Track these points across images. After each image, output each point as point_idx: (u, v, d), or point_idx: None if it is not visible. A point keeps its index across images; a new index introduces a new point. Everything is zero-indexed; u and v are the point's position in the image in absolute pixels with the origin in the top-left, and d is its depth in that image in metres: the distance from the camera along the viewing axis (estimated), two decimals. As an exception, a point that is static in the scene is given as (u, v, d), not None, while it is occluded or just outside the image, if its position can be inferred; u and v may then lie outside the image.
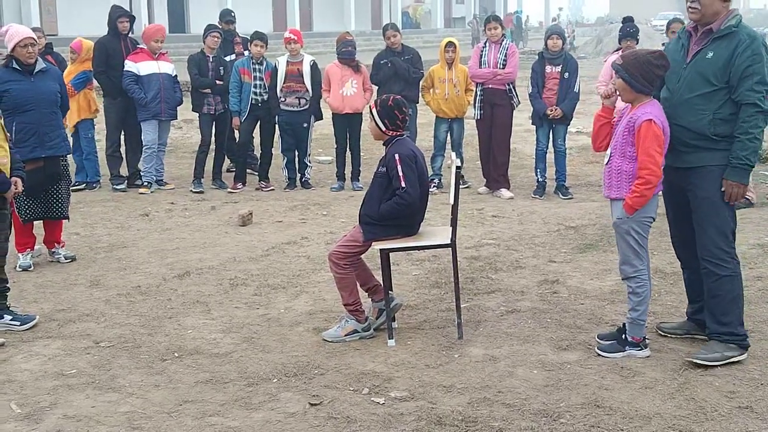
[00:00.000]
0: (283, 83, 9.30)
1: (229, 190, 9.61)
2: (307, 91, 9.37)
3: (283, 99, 9.33)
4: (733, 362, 4.55)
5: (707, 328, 4.74)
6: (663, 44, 7.94)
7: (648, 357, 4.66)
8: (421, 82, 9.53)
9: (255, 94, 9.39)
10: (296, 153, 9.64)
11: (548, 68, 8.88)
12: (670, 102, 4.63)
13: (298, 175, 9.78)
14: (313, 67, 9.48)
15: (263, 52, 9.43)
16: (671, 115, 4.57)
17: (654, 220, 4.64)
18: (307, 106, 9.42)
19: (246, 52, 10.12)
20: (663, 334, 5.01)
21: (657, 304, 5.46)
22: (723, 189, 4.52)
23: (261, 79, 9.39)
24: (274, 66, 9.39)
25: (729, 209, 4.58)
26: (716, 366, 4.50)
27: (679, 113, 4.56)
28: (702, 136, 4.52)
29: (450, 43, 9.32)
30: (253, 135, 9.90)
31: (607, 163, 4.67)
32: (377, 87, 9.52)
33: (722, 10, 4.52)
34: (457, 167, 5.04)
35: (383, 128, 5.03)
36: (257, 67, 9.39)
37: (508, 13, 46.61)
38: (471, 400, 4.20)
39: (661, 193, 4.70)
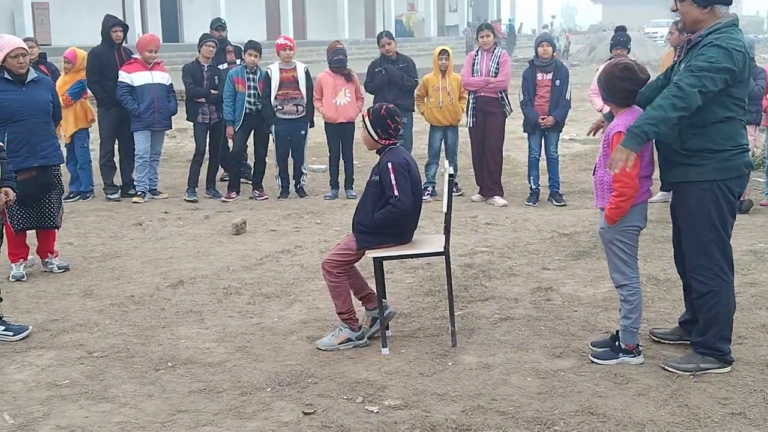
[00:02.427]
0: (278, 91, 9.30)
1: (222, 199, 9.61)
2: (302, 97, 9.39)
3: (280, 107, 9.32)
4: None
5: (691, 336, 4.74)
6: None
7: (641, 364, 4.67)
8: (415, 92, 9.54)
9: (249, 103, 9.39)
10: (289, 161, 9.65)
11: (539, 76, 8.91)
12: None
13: (293, 183, 9.78)
14: (307, 73, 9.51)
15: (257, 61, 9.44)
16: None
17: (641, 229, 4.64)
18: (303, 113, 9.43)
19: (238, 61, 10.13)
20: (656, 339, 5.02)
21: (650, 311, 5.47)
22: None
23: (255, 88, 9.39)
24: (265, 74, 9.38)
25: (712, 225, 4.42)
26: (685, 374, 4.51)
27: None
28: (674, 151, 4.46)
29: (443, 51, 9.34)
30: (247, 144, 9.89)
31: (594, 174, 4.70)
32: (372, 95, 9.54)
33: (702, 17, 4.38)
34: (450, 175, 5.05)
35: (376, 137, 5.04)
36: (251, 76, 9.39)
37: (495, 19, 46.72)
38: (465, 408, 4.20)
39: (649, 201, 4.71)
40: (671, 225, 4.88)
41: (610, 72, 4.49)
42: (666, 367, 4.58)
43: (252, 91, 9.38)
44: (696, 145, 4.39)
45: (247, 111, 9.40)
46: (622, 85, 4.46)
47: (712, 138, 4.37)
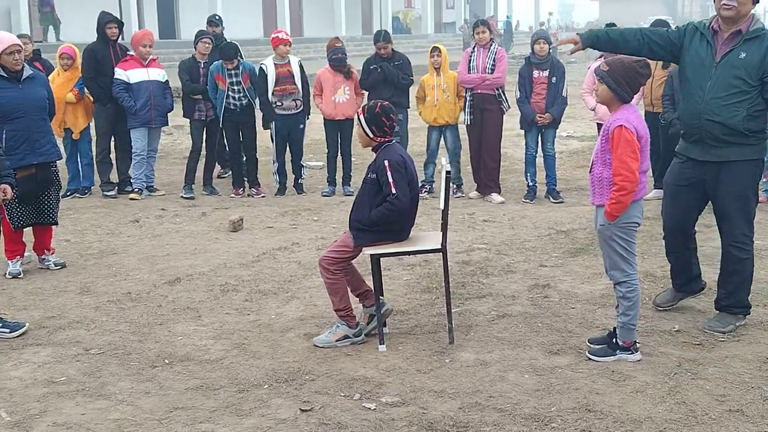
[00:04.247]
0: (275, 87, 9.27)
1: (231, 195, 9.62)
2: (299, 91, 9.37)
3: (279, 103, 9.30)
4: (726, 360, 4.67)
5: (719, 302, 5.20)
6: None
7: (639, 361, 4.67)
8: (415, 94, 9.52)
9: (234, 99, 9.35)
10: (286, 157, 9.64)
11: (536, 73, 8.90)
12: (701, 98, 4.89)
13: (291, 179, 9.77)
14: (301, 66, 9.50)
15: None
16: (703, 110, 4.88)
17: (639, 225, 4.65)
18: (302, 107, 9.43)
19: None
20: (660, 309, 5.45)
21: (647, 307, 5.48)
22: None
23: (239, 83, 9.35)
24: (260, 70, 9.34)
25: (754, 199, 5.06)
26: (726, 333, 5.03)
27: (713, 110, 4.85)
28: (736, 131, 4.86)
29: (435, 48, 9.32)
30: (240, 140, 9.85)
31: (590, 171, 4.69)
32: (367, 92, 9.52)
33: (750, 12, 4.85)
34: (447, 172, 5.05)
35: (371, 135, 5.03)
36: (232, 71, 9.30)
37: (491, 16, 46.66)
38: (462, 405, 4.20)
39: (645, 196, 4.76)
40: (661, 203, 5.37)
41: (632, 69, 4.49)
42: (709, 331, 5.06)
43: (236, 87, 9.34)
44: (755, 126, 4.90)
45: (232, 107, 9.37)
46: (642, 81, 4.56)
47: (764, 120, 4.95)
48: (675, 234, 5.34)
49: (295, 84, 9.34)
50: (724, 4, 4.78)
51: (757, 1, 4.86)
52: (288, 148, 9.66)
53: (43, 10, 25.70)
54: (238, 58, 9.41)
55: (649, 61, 4.69)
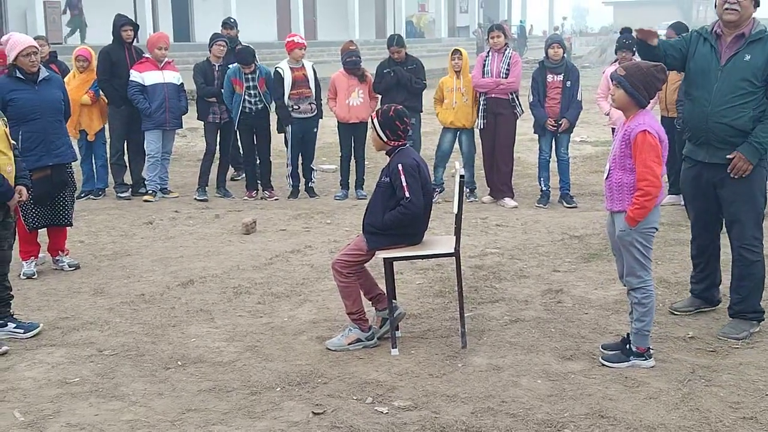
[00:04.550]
0: (291, 90, 9.30)
1: (244, 198, 9.64)
2: (313, 94, 9.42)
3: (296, 107, 9.33)
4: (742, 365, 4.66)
5: (732, 308, 5.21)
6: None
7: (652, 367, 4.65)
8: (433, 95, 9.52)
9: (249, 102, 9.38)
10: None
11: (549, 77, 8.88)
12: (708, 101, 4.97)
13: (303, 182, 9.79)
14: (314, 70, 9.55)
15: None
16: (711, 113, 4.95)
17: (657, 230, 4.63)
18: (316, 111, 9.46)
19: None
20: (677, 314, 5.45)
21: (661, 314, 5.45)
22: (732, 159, 4.93)
23: (255, 87, 9.38)
24: (276, 73, 9.38)
25: (762, 201, 5.07)
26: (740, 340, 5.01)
27: (721, 112, 4.93)
28: (742, 132, 4.92)
29: (456, 51, 9.32)
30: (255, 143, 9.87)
31: (606, 177, 4.66)
32: (380, 96, 9.53)
33: (751, 15, 4.96)
34: (461, 176, 5.04)
35: (384, 138, 5.04)
36: (249, 75, 9.34)
37: (505, 20, 46.64)
38: (475, 409, 4.19)
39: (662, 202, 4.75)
40: (683, 226, 5.15)
41: (650, 73, 4.49)
42: (723, 337, 5.03)
43: (252, 91, 9.37)
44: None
45: (248, 111, 9.39)
46: (659, 85, 4.57)
47: None
48: (702, 238, 5.41)
49: (310, 87, 9.38)
50: (727, 8, 4.90)
51: (758, 5, 4.96)
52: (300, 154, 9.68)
53: (71, 12, 25.82)
54: (255, 62, 9.44)
55: (664, 66, 4.69)
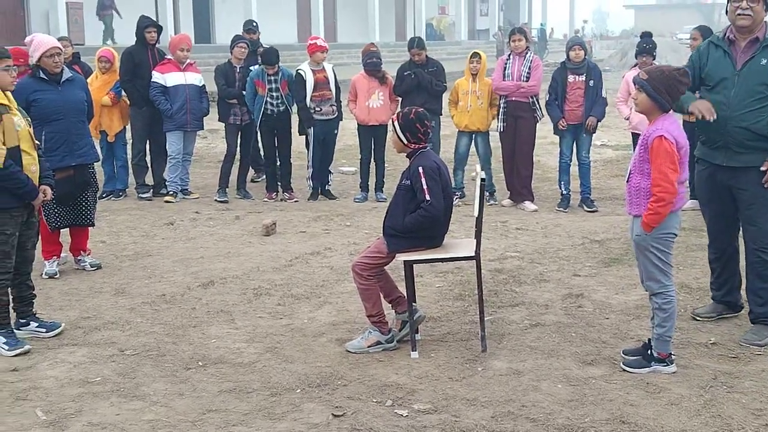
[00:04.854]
0: (313, 92, 9.32)
1: (264, 199, 9.68)
2: (334, 96, 9.44)
3: (318, 109, 9.35)
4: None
5: (752, 312, 5.20)
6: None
7: (674, 373, 4.62)
8: (447, 96, 9.52)
9: (271, 105, 9.41)
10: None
11: (571, 77, 8.84)
12: (727, 106, 4.99)
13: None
14: (334, 72, 9.57)
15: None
16: (730, 117, 4.98)
17: (676, 236, 4.60)
18: (337, 113, 9.48)
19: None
20: (699, 320, 5.43)
21: (683, 319, 5.42)
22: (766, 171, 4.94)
23: (277, 89, 9.41)
24: (297, 75, 9.40)
25: None
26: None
27: (740, 116, 4.97)
28: (760, 136, 4.94)
29: (475, 54, 9.31)
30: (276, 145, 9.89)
31: (627, 180, 4.65)
32: (400, 98, 9.53)
33: (763, 19, 5.00)
34: (482, 179, 5.03)
35: (405, 141, 5.04)
36: (272, 77, 9.37)
37: (524, 23, 46.55)
38: (495, 413, 4.18)
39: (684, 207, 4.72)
40: (704, 231, 5.39)
41: (672, 77, 4.47)
42: (745, 344, 5.01)
43: (274, 93, 9.40)
44: None
45: (269, 113, 9.43)
46: (682, 90, 4.56)
47: None
48: (719, 241, 5.41)
49: (331, 89, 9.41)
50: (740, 14, 4.96)
51: None
52: None
53: (102, 13, 25.98)
54: (278, 64, 9.47)
55: (687, 70, 4.67)
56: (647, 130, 4.51)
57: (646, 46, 8.65)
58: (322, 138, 9.50)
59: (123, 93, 9.59)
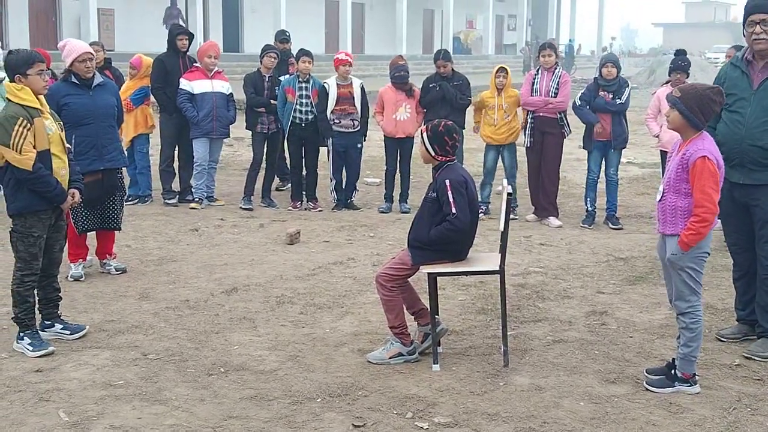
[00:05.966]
0: (335, 105, 9.35)
1: (289, 208, 9.72)
2: (357, 113, 9.45)
3: (337, 121, 9.37)
4: None
5: (759, 326, 5.26)
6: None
7: (698, 394, 4.58)
8: (473, 102, 9.50)
9: (300, 113, 9.45)
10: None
11: (601, 93, 8.82)
12: (742, 124, 5.09)
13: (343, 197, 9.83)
14: (362, 89, 9.57)
15: (311, 68, 9.50)
16: (746, 136, 5.07)
17: (709, 255, 4.57)
18: (359, 127, 9.49)
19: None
20: (723, 341, 5.41)
21: (707, 340, 5.36)
22: None
23: (307, 97, 9.45)
24: (321, 86, 9.44)
25: None
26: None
27: (754, 135, 5.05)
28: None
29: (501, 69, 9.31)
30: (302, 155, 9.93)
31: (660, 200, 4.61)
32: (424, 110, 9.54)
33: None
34: (509, 194, 5.02)
35: (433, 153, 5.05)
36: (303, 85, 9.43)
37: (552, 38, 46.46)
38: (516, 429, 4.16)
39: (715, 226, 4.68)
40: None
41: (706, 96, 4.46)
42: (749, 356, 5.07)
43: (304, 101, 9.44)
44: None
45: (298, 121, 9.46)
46: (716, 108, 4.56)
47: None
48: (742, 259, 5.44)
49: (355, 105, 9.41)
50: (755, 39, 5.09)
51: None
52: (344, 169, 9.70)
53: (169, 22, 26.13)
54: (310, 74, 9.51)
55: (721, 89, 4.65)
56: (687, 149, 4.46)
57: (681, 63, 8.57)
58: (342, 150, 9.50)
59: (143, 101, 9.67)
